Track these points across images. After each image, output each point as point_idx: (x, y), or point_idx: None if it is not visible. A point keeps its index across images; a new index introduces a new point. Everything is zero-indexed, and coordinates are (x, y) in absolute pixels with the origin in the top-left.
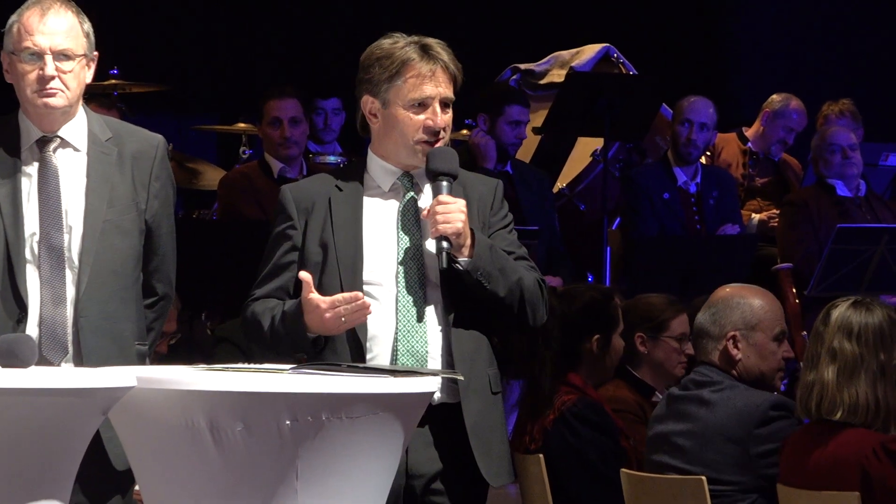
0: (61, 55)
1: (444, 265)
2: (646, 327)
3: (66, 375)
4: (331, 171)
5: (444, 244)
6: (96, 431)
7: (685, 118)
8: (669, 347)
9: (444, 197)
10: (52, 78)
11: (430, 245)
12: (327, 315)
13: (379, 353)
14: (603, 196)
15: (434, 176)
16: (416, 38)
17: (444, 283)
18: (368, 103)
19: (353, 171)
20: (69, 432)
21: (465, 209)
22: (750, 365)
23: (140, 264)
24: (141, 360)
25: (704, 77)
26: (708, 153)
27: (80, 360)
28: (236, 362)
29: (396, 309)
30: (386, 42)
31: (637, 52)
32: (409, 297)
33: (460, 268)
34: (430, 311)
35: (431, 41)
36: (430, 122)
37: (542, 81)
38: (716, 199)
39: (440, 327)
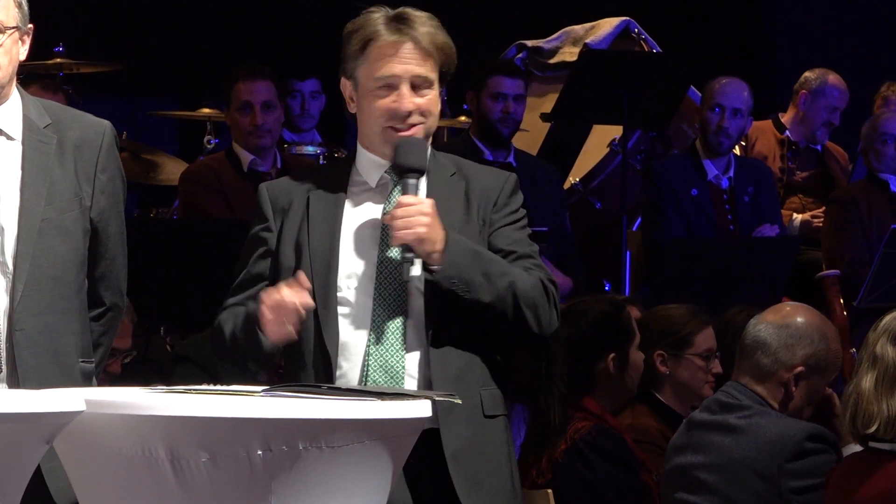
0: None
1: (407, 277)
2: (666, 344)
3: (4, 399)
4: (317, 167)
5: (409, 253)
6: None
7: (716, 103)
8: (694, 366)
9: (405, 198)
10: None
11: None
12: (266, 312)
13: (348, 368)
14: (622, 192)
15: (400, 172)
16: (394, 10)
17: (425, 294)
18: (346, 86)
19: (340, 165)
20: (7, 465)
21: (429, 211)
22: (795, 405)
23: (84, 270)
24: (86, 379)
25: (738, 55)
26: (742, 143)
27: (15, 380)
28: (198, 385)
29: (371, 320)
30: (364, 14)
31: (661, 26)
32: (386, 308)
33: (429, 277)
34: (412, 325)
35: (410, 12)
36: (394, 105)
37: (551, 60)
38: (751, 195)
39: (421, 343)
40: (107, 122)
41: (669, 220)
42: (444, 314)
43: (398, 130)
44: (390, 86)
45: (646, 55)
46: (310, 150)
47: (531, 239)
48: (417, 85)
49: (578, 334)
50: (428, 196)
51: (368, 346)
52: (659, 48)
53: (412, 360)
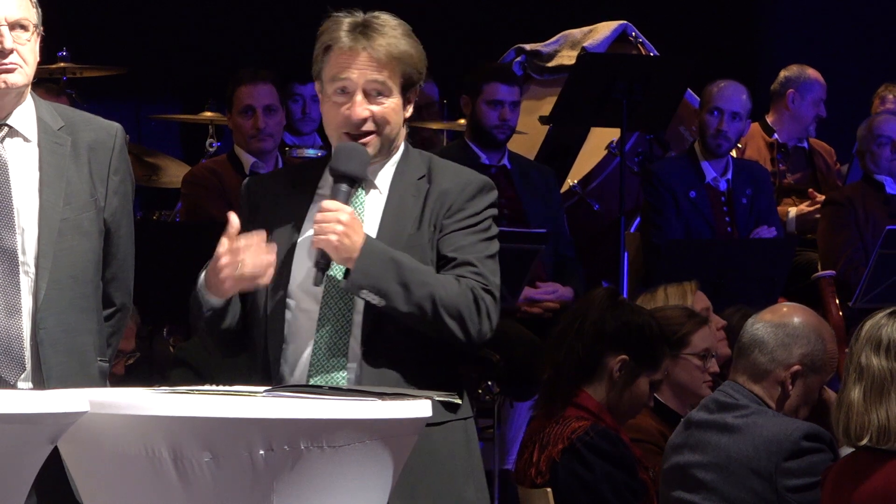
0: (16, 25)
1: (317, 283)
2: None
3: (7, 399)
4: (298, 166)
5: (321, 259)
6: (59, 462)
7: (714, 106)
8: (691, 366)
9: (326, 203)
10: (11, 52)
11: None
12: (222, 261)
13: (291, 376)
14: (620, 194)
15: (335, 177)
16: (363, 16)
17: (365, 303)
18: (317, 86)
19: (316, 166)
20: (12, 465)
21: (346, 219)
22: (792, 403)
23: (100, 270)
24: (103, 378)
25: (735, 59)
26: (739, 145)
27: (39, 379)
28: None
29: (316, 328)
30: (334, 16)
31: (658, 30)
32: (332, 316)
33: (342, 285)
34: (355, 334)
35: (374, 21)
36: (348, 112)
37: (550, 64)
38: (749, 197)
39: (359, 350)
40: (118, 125)
41: (668, 222)
42: (384, 324)
43: (354, 138)
44: (346, 91)
45: (643, 58)
46: (310, 152)
47: (532, 240)
48: (372, 92)
49: (612, 323)
50: (386, 202)
51: (312, 354)
52: (656, 51)
53: (353, 369)
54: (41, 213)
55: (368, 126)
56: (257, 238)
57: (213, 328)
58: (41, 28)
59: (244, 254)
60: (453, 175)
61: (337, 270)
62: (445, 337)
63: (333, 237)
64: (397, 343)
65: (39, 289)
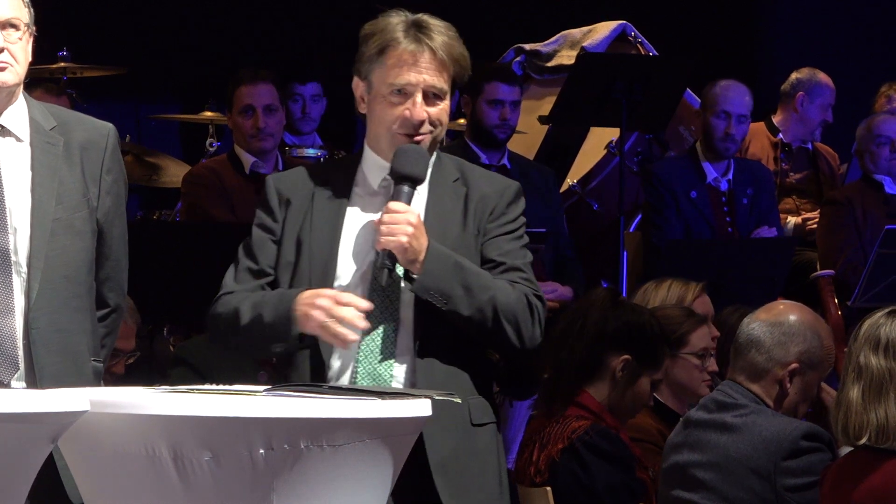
0: (7, 24)
1: (384, 282)
2: None
3: (8, 398)
4: (324, 164)
5: (388, 260)
6: (50, 460)
7: (721, 110)
8: (690, 365)
9: (394, 204)
10: (2, 50)
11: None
12: (320, 305)
13: (338, 373)
14: (619, 194)
15: (396, 178)
16: (413, 17)
17: (415, 302)
18: (358, 86)
19: (346, 165)
20: (13, 464)
21: (415, 221)
22: (791, 401)
23: (93, 270)
24: (97, 378)
25: (736, 59)
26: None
27: (32, 378)
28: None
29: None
30: (383, 17)
31: (658, 30)
32: (378, 314)
33: (408, 287)
34: (403, 332)
35: (430, 21)
36: (406, 114)
37: (549, 64)
38: (750, 197)
39: (410, 350)
40: (110, 125)
41: (667, 222)
42: (433, 323)
43: (408, 138)
44: (404, 93)
45: (642, 58)
46: (310, 152)
47: (531, 240)
48: (431, 95)
49: (613, 323)
50: (428, 203)
51: (358, 352)
52: (656, 51)
53: (400, 367)
54: (33, 213)
55: (425, 127)
56: (362, 307)
57: (291, 351)
58: (33, 28)
59: (343, 312)
60: (488, 179)
61: (397, 269)
62: (499, 342)
63: (404, 238)
64: (446, 340)
65: (32, 289)
